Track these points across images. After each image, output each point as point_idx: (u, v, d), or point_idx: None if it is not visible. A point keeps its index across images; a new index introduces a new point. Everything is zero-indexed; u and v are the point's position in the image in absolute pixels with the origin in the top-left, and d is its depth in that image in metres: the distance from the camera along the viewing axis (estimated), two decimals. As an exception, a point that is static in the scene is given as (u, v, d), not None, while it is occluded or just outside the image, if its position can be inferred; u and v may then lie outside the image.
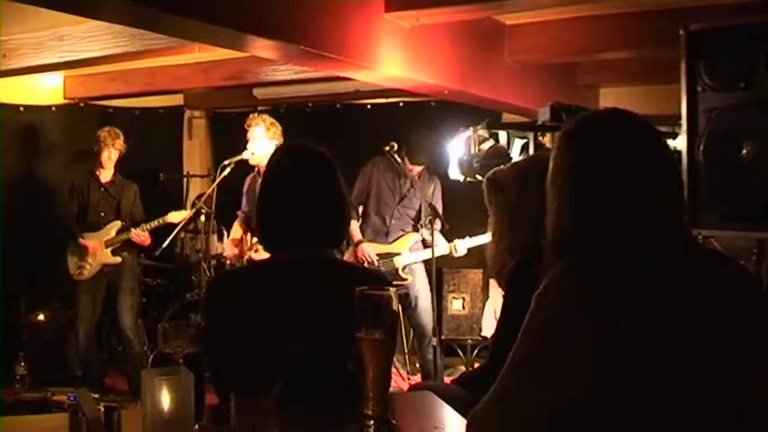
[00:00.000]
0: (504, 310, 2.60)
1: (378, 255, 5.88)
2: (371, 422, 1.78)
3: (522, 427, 1.49)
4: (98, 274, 6.09)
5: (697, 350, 1.47)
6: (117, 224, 6.12)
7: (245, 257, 5.80)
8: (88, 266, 6.04)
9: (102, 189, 6.17)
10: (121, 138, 6.12)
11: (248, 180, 5.87)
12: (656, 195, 1.59)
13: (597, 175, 1.60)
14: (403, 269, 5.87)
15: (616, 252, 1.53)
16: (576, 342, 1.45)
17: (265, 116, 5.79)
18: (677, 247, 1.58)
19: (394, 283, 5.52)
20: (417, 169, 5.86)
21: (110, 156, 6.08)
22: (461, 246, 5.85)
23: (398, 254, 5.91)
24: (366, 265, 5.74)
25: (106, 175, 6.16)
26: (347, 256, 5.85)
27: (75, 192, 6.19)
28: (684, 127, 3.71)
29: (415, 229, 5.97)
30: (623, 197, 1.57)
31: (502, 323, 2.61)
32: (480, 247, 5.92)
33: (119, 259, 6.08)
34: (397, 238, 5.97)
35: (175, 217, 6.10)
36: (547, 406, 1.47)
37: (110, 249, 6.06)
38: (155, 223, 6.08)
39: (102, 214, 6.15)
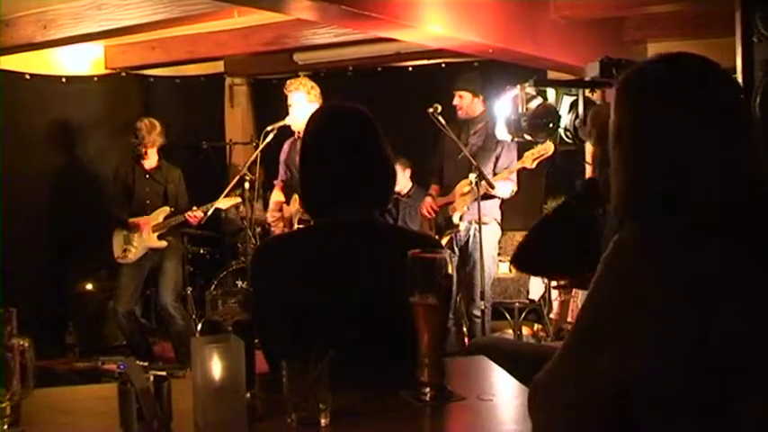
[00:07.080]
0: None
1: (439, 206, 5.90)
2: (427, 389, 1.73)
3: (587, 397, 1.41)
4: (141, 259, 6.10)
5: None
6: (165, 210, 6.11)
7: (294, 220, 5.76)
8: (133, 250, 6.03)
9: (148, 177, 6.16)
10: (158, 128, 6.09)
11: (287, 147, 5.80)
12: (744, 151, 1.46)
13: (682, 133, 1.45)
14: (459, 218, 5.81)
15: (701, 214, 1.42)
16: (653, 306, 1.36)
17: (305, 80, 5.71)
18: (763, 207, 1.47)
19: (447, 231, 5.70)
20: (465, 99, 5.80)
21: (146, 151, 6.08)
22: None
23: (451, 202, 5.86)
24: (427, 216, 5.89)
25: (151, 161, 6.16)
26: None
27: (119, 179, 6.18)
28: (740, 80, 3.59)
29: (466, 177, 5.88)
30: (709, 156, 1.44)
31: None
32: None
33: (164, 243, 6.07)
34: (453, 187, 5.91)
35: (225, 203, 6.14)
36: (614, 374, 1.37)
37: (156, 234, 6.07)
38: (204, 208, 6.04)
39: (148, 202, 6.14)
